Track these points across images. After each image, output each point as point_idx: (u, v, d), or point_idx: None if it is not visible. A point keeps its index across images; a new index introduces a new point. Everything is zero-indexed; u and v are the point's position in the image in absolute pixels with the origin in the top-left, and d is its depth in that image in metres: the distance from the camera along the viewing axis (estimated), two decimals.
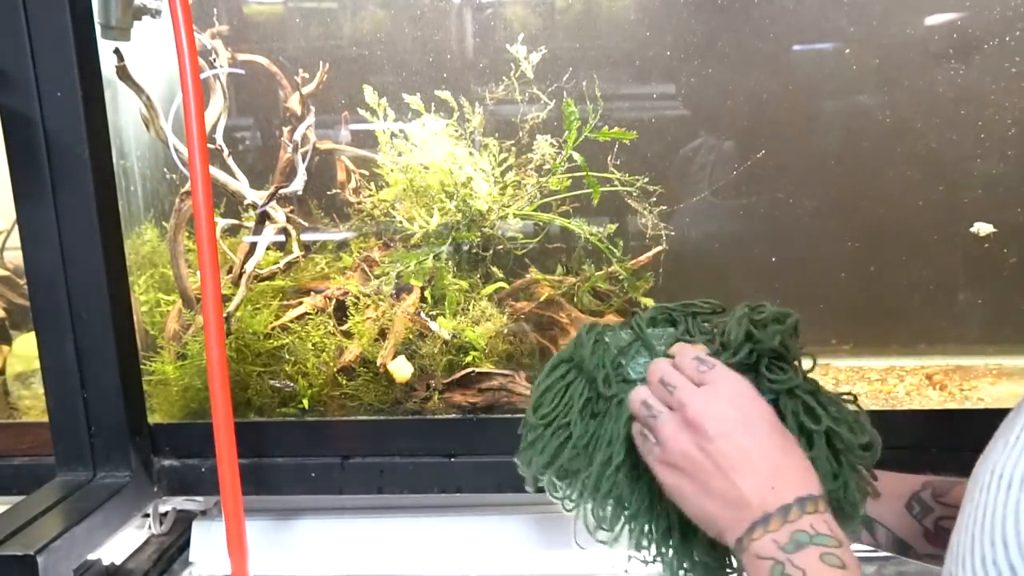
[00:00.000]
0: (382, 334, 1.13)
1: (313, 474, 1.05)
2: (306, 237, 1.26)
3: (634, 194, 1.15)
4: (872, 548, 0.77)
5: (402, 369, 1.09)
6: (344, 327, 1.15)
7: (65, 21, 0.87)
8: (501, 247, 1.19)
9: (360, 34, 1.31)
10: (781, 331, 0.65)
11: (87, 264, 0.92)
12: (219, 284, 0.86)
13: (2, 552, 0.78)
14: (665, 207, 1.18)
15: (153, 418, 1.06)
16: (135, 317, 1.01)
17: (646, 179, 1.14)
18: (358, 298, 1.16)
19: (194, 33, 0.82)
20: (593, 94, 1.12)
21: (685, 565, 0.65)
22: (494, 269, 1.17)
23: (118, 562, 1.04)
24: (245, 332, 1.12)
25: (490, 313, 1.13)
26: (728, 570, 0.65)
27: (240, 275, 1.15)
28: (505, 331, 1.13)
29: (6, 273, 1.32)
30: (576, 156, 1.13)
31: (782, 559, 0.53)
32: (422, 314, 1.12)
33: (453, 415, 1.09)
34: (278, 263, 1.21)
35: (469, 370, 1.10)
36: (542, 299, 1.17)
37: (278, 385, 1.11)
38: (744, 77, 1.29)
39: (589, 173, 1.13)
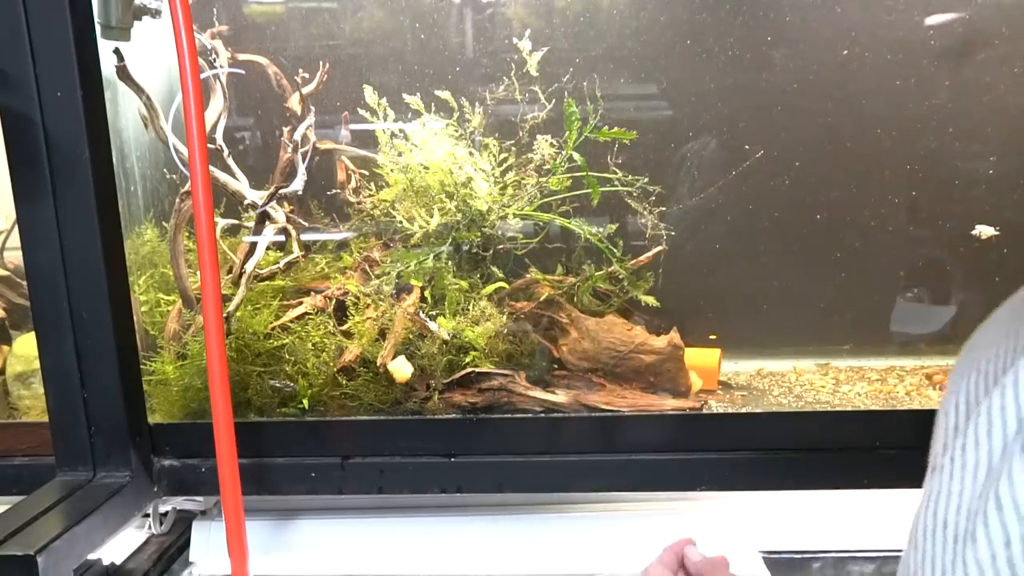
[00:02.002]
0: (382, 334, 1.13)
1: (313, 474, 1.05)
2: (306, 237, 1.26)
3: (634, 194, 1.15)
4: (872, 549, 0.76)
5: (402, 369, 1.09)
6: (344, 327, 1.15)
7: (65, 21, 0.87)
8: (501, 247, 1.19)
9: (360, 34, 1.31)
10: None
11: (87, 264, 0.92)
12: (219, 284, 0.86)
13: (2, 552, 0.78)
14: (664, 208, 1.18)
15: (153, 418, 1.06)
16: (135, 317, 1.01)
17: (646, 179, 1.14)
18: (358, 298, 1.16)
19: (194, 33, 0.82)
20: (593, 94, 1.12)
21: None
22: (494, 269, 1.17)
23: (118, 562, 1.04)
24: (245, 332, 1.12)
25: (490, 313, 1.13)
26: None
27: (240, 275, 1.15)
28: (505, 331, 1.13)
29: (6, 273, 1.31)
30: (576, 156, 1.13)
31: None
32: (421, 314, 1.12)
33: (453, 415, 1.09)
34: (278, 263, 1.21)
35: (469, 370, 1.10)
36: (542, 299, 1.17)
37: (278, 385, 1.10)
38: (743, 76, 1.29)
39: (589, 173, 1.13)
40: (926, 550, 0.44)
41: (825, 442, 1.02)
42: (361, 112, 1.19)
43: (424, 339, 1.12)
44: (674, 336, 1.14)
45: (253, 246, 1.18)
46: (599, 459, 1.05)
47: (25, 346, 1.25)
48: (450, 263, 1.16)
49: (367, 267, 1.22)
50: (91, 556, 0.93)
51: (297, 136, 1.20)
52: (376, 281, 1.16)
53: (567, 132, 1.12)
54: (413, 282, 1.16)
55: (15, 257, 1.32)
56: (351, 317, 1.15)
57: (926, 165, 1.30)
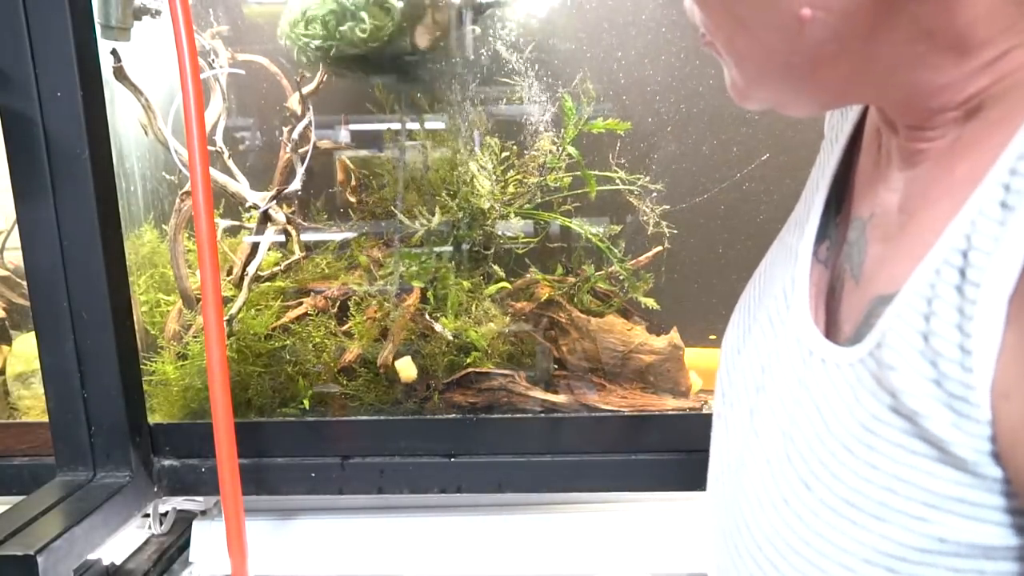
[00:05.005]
0: (383, 334, 1.13)
1: (313, 474, 1.05)
2: (307, 237, 1.26)
3: (635, 192, 1.15)
4: None
5: (408, 369, 1.09)
6: (345, 327, 1.15)
7: (65, 21, 0.87)
8: (503, 246, 1.19)
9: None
10: None
11: (87, 264, 0.92)
12: (219, 284, 0.86)
13: (2, 552, 0.78)
14: (667, 206, 1.18)
15: (153, 418, 1.06)
16: (135, 317, 1.01)
17: (647, 177, 1.14)
18: (360, 298, 1.16)
19: (194, 33, 0.82)
20: (587, 88, 1.12)
21: None
22: (495, 268, 1.17)
23: (118, 562, 1.04)
24: (246, 333, 1.12)
25: (492, 313, 1.13)
26: None
27: (242, 277, 1.15)
28: (506, 331, 1.13)
29: (6, 273, 1.31)
30: (572, 151, 1.13)
31: None
32: (426, 315, 1.12)
33: (453, 415, 1.09)
34: (278, 264, 1.21)
35: (469, 370, 1.10)
36: (542, 299, 1.17)
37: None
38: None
39: (585, 170, 1.13)
40: (719, 491, 0.54)
41: None
42: (362, 111, 1.19)
43: (426, 339, 1.12)
44: (674, 336, 1.14)
45: (254, 247, 1.18)
46: (599, 459, 1.05)
47: (25, 346, 1.25)
48: (452, 263, 1.16)
49: (369, 266, 1.22)
50: (91, 556, 0.93)
51: (296, 136, 1.20)
52: (379, 282, 1.16)
53: (564, 129, 1.12)
54: (414, 283, 1.16)
55: (15, 257, 1.32)
56: (352, 317, 1.15)
57: None
